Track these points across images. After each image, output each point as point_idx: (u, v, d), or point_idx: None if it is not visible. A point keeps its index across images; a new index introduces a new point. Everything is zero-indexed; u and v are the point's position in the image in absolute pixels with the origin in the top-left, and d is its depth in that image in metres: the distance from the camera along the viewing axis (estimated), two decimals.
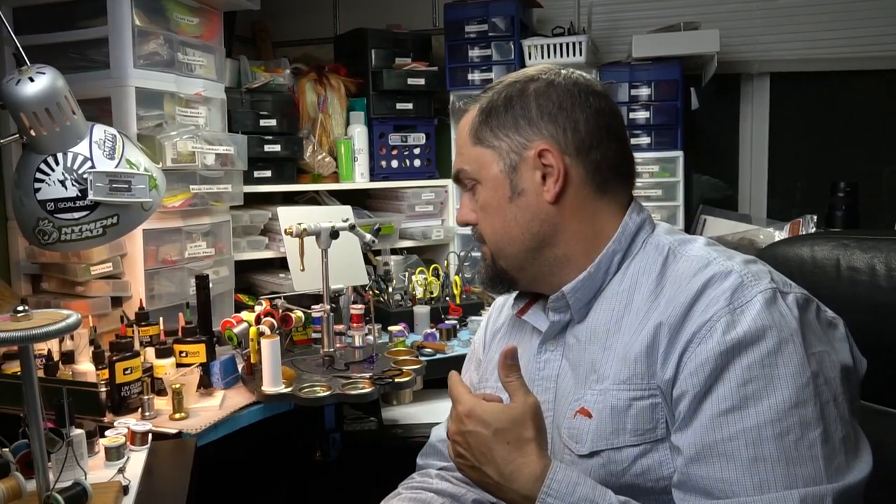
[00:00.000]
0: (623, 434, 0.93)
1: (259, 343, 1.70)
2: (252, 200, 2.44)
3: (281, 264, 2.47)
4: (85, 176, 1.63)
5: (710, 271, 0.93)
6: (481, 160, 1.05)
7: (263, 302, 1.95)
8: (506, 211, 1.04)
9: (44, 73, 1.54)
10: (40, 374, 1.59)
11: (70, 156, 1.63)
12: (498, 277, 1.10)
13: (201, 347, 1.74)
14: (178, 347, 1.74)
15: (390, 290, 2.37)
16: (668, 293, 0.95)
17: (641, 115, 2.62)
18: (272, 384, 1.65)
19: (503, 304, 1.26)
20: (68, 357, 1.73)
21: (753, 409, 0.85)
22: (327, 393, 1.65)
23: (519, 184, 1.03)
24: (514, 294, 1.20)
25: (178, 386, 1.57)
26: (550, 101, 1.02)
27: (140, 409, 1.58)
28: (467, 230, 2.89)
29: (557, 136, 1.01)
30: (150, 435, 1.46)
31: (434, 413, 2.12)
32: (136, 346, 1.75)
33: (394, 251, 2.71)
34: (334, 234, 1.85)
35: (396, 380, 1.72)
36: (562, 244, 1.03)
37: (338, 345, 1.91)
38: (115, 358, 1.58)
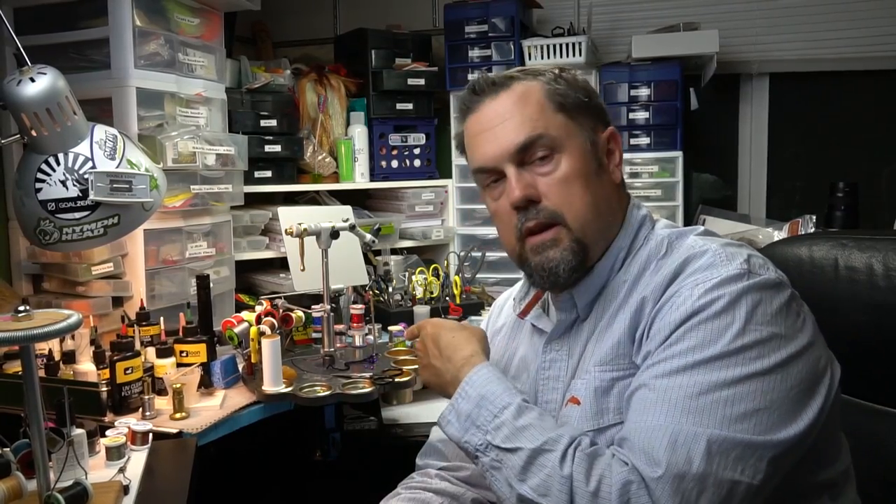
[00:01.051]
0: (607, 413, 0.96)
1: (259, 343, 1.70)
2: (252, 200, 2.44)
3: (281, 264, 2.47)
4: (86, 176, 1.63)
5: (689, 253, 0.96)
6: (567, 128, 1.02)
7: (264, 302, 1.95)
8: (594, 184, 1.02)
9: (45, 74, 1.54)
10: (41, 373, 1.59)
11: (71, 156, 1.63)
12: (583, 259, 1.01)
13: (202, 347, 1.74)
14: (178, 347, 1.75)
15: (390, 290, 2.37)
16: (655, 278, 0.97)
17: (641, 116, 2.62)
18: (272, 384, 1.65)
19: (503, 305, 1.26)
20: (69, 357, 1.73)
21: (672, 361, 0.88)
22: (327, 393, 1.65)
23: (600, 160, 1.04)
24: (513, 294, 1.21)
25: (178, 386, 1.57)
26: (597, 95, 1.07)
27: (141, 409, 1.58)
28: (468, 230, 2.90)
29: (611, 124, 1.06)
30: (150, 434, 1.46)
31: (434, 413, 2.08)
32: (137, 345, 1.75)
33: (394, 251, 2.72)
34: (334, 234, 1.85)
35: (396, 380, 1.73)
36: (613, 227, 1.04)
37: (338, 345, 1.91)
38: (115, 358, 1.58)
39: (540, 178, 1.00)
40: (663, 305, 0.92)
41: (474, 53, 2.73)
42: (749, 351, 0.86)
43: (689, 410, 0.84)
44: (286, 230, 1.87)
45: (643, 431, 0.85)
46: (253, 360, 1.78)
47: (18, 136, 1.59)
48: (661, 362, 0.89)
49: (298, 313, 1.96)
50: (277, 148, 2.53)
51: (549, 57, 2.61)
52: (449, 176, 2.84)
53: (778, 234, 2.51)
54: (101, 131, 1.70)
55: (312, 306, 2.06)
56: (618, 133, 1.07)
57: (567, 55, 2.59)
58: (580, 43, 2.58)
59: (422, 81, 2.76)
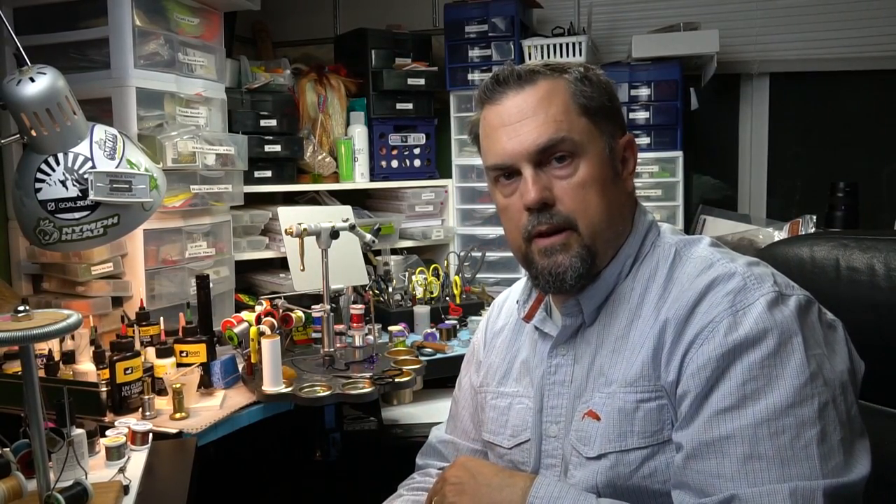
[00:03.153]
0: (631, 436, 0.94)
1: (259, 343, 1.70)
2: (252, 200, 2.44)
3: (281, 264, 2.47)
4: (86, 176, 1.63)
5: (713, 272, 0.94)
6: (590, 133, 1.00)
7: (264, 302, 1.95)
8: (610, 191, 1.00)
9: (44, 74, 1.54)
10: (41, 373, 1.59)
11: (71, 156, 1.63)
12: (591, 267, 1.00)
13: (202, 347, 1.74)
14: (178, 347, 1.75)
15: (390, 290, 2.37)
16: (674, 294, 0.95)
17: (641, 116, 2.62)
18: (272, 384, 1.65)
19: (502, 305, 1.25)
20: (69, 357, 1.73)
21: (751, 408, 0.85)
22: (327, 393, 1.65)
23: (616, 167, 1.03)
24: (515, 297, 1.20)
25: (178, 386, 1.57)
26: (618, 98, 1.06)
27: (140, 409, 1.58)
28: (468, 230, 2.90)
29: (626, 131, 1.05)
30: (150, 435, 1.46)
31: (434, 413, 2.12)
32: (137, 345, 1.75)
33: (394, 251, 2.71)
34: (334, 234, 1.85)
35: (396, 380, 1.72)
36: (622, 235, 1.04)
37: (338, 345, 1.91)
38: (115, 358, 1.58)
39: (557, 181, 0.98)
40: (700, 333, 0.90)
41: (474, 53, 2.72)
42: (816, 379, 0.86)
43: (790, 460, 0.82)
44: (286, 230, 1.87)
45: (759, 497, 0.82)
46: (253, 361, 1.78)
47: (18, 135, 1.59)
48: (735, 409, 0.86)
49: (298, 313, 1.96)
50: (277, 148, 2.53)
51: (549, 57, 2.61)
52: (449, 176, 2.83)
53: (778, 234, 2.51)
54: (100, 131, 1.70)
55: (312, 306, 2.05)
56: (635, 141, 1.05)
57: (567, 55, 2.59)
58: (580, 43, 2.58)
59: (422, 81, 2.76)
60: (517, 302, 1.16)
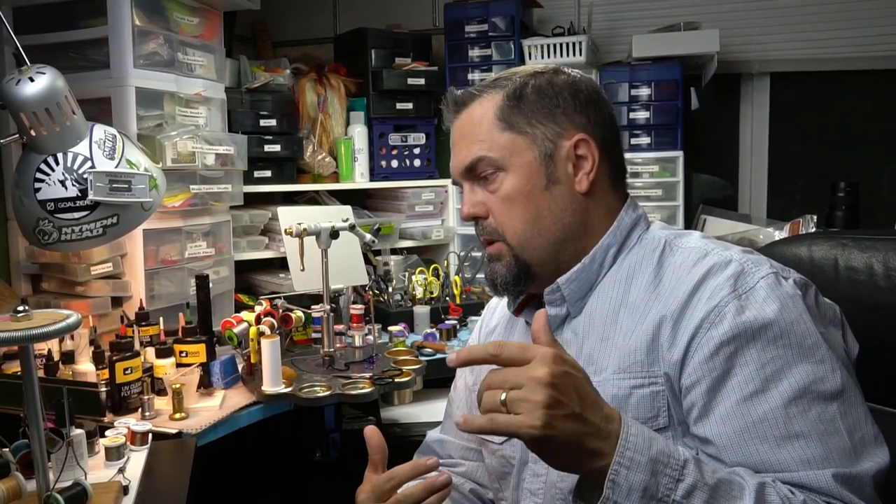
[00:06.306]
0: None
1: (259, 343, 1.70)
2: (252, 200, 2.44)
3: (281, 264, 2.47)
4: (85, 176, 1.63)
5: (709, 261, 0.94)
6: (512, 147, 1.02)
7: (263, 302, 1.95)
8: (539, 200, 1.02)
9: (44, 73, 1.54)
10: (40, 374, 1.59)
11: (70, 156, 1.63)
12: (522, 275, 1.04)
13: (201, 347, 1.74)
14: (178, 347, 1.74)
15: (390, 290, 2.37)
16: (668, 285, 0.96)
17: (641, 115, 2.62)
18: (272, 384, 1.65)
19: (496, 306, 1.26)
20: (68, 357, 1.73)
21: (775, 389, 0.86)
22: (327, 393, 1.65)
23: (554, 172, 1.02)
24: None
25: (178, 386, 1.57)
26: (581, 94, 1.04)
27: (140, 409, 1.58)
28: (468, 230, 2.90)
29: (589, 129, 1.03)
30: (150, 435, 1.46)
31: (434, 413, 2.12)
32: (137, 346, 1.75)
33: (394, 251, 2.71)
34: (334, 234, 1.85)
35: (396, 380, 1.72)
36: (585, 237, 1.03)
37: (338, 345, 1.91)
38: (115, 358, 1.58)
39: (488, 196, 1.04)
40: (706, 318, 0.89)
41: (474, 53, 2.72)
42: (830, 354, 0.88)
43: (824, 435, 0.84)
44: (286, 230, 1.87)
45: (803, 476, 0.83)
46: (252, 361, 1.78)
47: (17, 135, 1.59)
48: (761, 393, 0.86)
49: (298, 313, 1.96)
50: (277, 148, 2.53)
51: (549, 56, 2.61)
52: (449, 176, 2.82)
53: (779, 234, 2.51)
54: (100, 131, 1.70)
55: (312, 306, 2.05)
56: (589, 139, 1.02)
57: (567, 55, 2.59)
58: (580, 42, 2.57)
59: (422, 81, 2.75)
60: (507, 298, 1.17)
